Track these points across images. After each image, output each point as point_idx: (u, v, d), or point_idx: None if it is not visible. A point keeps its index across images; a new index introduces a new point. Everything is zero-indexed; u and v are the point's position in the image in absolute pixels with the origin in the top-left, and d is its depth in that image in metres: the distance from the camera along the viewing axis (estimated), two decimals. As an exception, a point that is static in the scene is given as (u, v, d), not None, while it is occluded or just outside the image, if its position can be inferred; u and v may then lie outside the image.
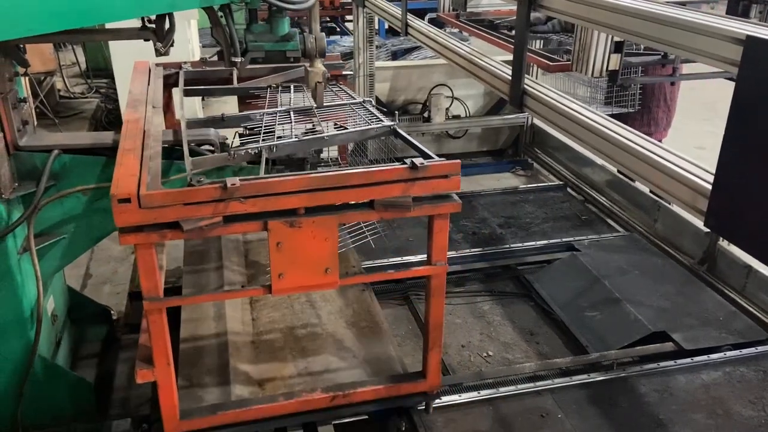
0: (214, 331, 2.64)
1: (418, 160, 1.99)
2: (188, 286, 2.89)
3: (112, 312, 3.33)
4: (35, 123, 2.58)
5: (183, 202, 1.80)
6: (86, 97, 7.44)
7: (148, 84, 2.77)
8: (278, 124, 2.36)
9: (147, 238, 1.83)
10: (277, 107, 2.57)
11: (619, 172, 4.50)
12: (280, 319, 2.74)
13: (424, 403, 2.46)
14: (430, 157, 2.07)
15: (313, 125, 2.36)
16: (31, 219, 2.28)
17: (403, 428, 2.48)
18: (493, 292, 3.96)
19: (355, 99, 2.69)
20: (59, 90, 7.32)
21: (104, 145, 2.44)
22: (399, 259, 4.04)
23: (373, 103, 2.65)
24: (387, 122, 2.39)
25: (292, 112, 2.49)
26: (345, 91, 2.84)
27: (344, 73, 3.23)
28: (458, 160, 2.02)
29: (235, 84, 2.88)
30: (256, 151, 2.10)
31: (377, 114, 2.49)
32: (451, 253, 4.16)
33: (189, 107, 2.62)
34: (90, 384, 2.70)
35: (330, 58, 3.16)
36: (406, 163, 1.98)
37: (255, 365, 2.48)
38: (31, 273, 2.35)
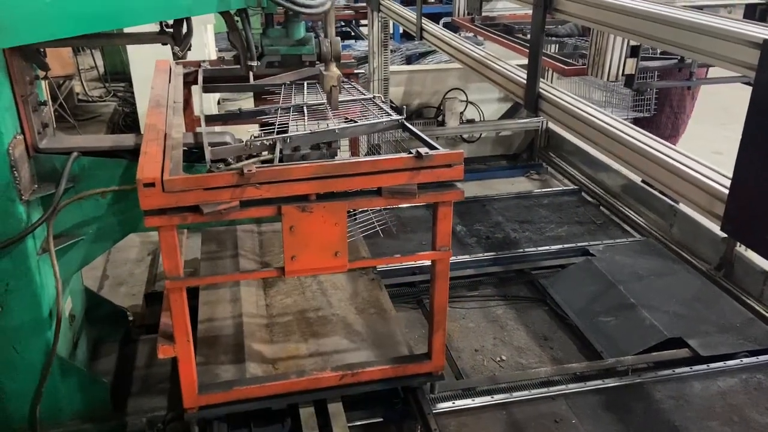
0: (230, 314, 2.80)
1: (423, 150, 2.10)
2: (205, 271, 3.05)
3: (128, 313, 3.36)
4: (54, 126, 2.62)
5: (203, 186, 1.93)
6: (104, 101, 7.52)
7: (169, 82, 2.87)
8: (292, 120, 2.44)
9: (169, 220, 1.98)
10: (291, 103, 2.65)
11: (642, 181, 4.47)
12: (292, 305, 2.88)
13: (429, 384, 2.64)
14: (435, 149, 2.17)
15: (326, 120, 2.45)
16: (51, 220, 2.31)
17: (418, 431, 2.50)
18: (506, 296, 3.94)
19: (365, 95, 2.78)
20: (77, 93, 7.42)
21: (123, 148, 2.48)
22: (412, 263, 4.04)
23: (383, 98, 2.68)
24: (395, 116, 2.46)
25: (305, 108, 2.56)
26: (356, 88, 2.92)
27: (356, 71, 3.29)
28: (461, 151, 2.14)
29: (252, 81, 2.95)
30: (271, 142, 2.18)
31: (386, 109, 2.57)
32: (465, 257, 4.16)
33: (206, 106, 2.70)
34: (106, 384, 2.72)
35: (343, 57, 3.21)
36: (411, 153, 2.09)
37: (269, 345, 2.62)
38: (49, 274, 2.39)
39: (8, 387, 2.48)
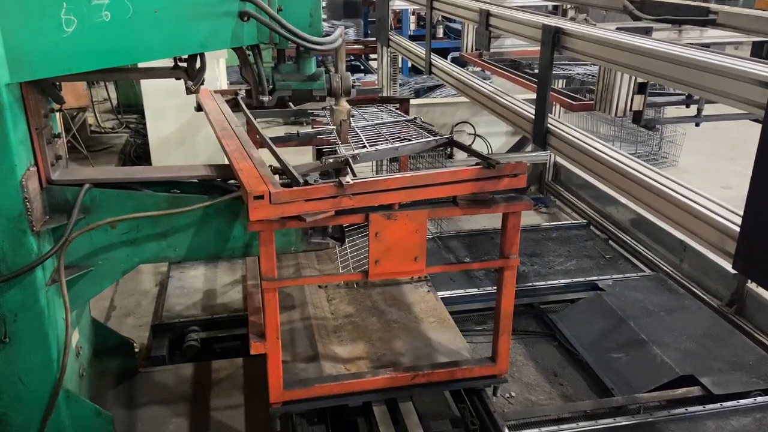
0: (299, 317, 3.06)
1: (492, 161, 2.29)
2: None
3: (134, 344, 3.35)
4: (67, 157, 2.65)
5: (305, 198, 2.13)
6: (116, 132, 7.62)
7: (219, 107, 3.08)
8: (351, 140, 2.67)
9: (270, 226, 2.20)
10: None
11: None
12: (355, 313, 3.12)
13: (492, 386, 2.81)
14: (491, 161, 2.34)
15: (381, 138, 2.68)
16: (62, 251, 2.32)
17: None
18: (515, 331, 3.90)
19: (406, 117, 3.06)
20: (90, 125, 7.52)
21: (134, 180, 2.50)
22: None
23: (422, 119, 2.99)
24: (446, 135, 2.73)
25: (357, 129, 2.78)
26: (394, 111, 3.18)
27: (380, 96, 3.56)
28: (525, 162, 2.38)
29: (293, 107, 3.15)
30: (343, 159, 2.38)
31: (430, 128, 2.83)
32: (473, 291, 4.14)
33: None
34: (110, 416, 2.70)
35: (367, 83, 3.39)
36: (481, 164, 2.29)
37: (339, 347, 2.87)
38: (58, 305, 2.39)
39: (13, 419, 2.46)
